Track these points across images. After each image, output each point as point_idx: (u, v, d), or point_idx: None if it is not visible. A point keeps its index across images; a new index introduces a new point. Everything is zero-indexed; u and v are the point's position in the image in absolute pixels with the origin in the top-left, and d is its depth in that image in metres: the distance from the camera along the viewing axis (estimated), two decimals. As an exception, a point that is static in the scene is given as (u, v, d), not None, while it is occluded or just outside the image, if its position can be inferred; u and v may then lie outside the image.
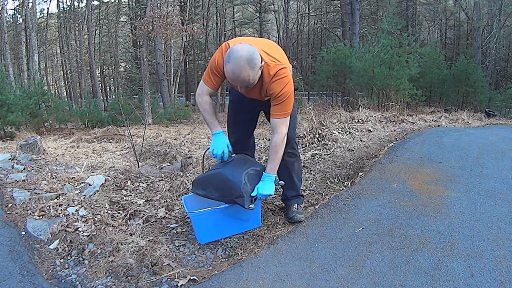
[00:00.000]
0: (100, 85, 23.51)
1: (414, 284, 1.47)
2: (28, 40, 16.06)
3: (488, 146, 3.39)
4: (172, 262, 1.72)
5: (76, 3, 20.96)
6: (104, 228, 1.95)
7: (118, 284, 1.56)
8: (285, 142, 1.84)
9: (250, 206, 1.77)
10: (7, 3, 20.00)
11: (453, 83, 12.77)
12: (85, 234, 1.88)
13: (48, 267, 1.64)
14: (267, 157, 3.30)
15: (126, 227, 2.03)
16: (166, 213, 2.25)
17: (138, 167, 3.72)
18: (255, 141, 2.73)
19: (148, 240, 1.89)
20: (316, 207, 2.19)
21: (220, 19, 20.22)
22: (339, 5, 19.00)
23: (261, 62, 1.67)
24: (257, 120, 2.21)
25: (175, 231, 2.04)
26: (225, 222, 1.92)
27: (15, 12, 20.00)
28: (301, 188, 2.20)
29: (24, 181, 2.51)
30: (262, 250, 1.78)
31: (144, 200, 2.44)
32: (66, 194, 2.32)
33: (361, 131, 4.26)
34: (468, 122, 6.09)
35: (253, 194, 1.81)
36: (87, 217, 2.04)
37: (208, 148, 1.95)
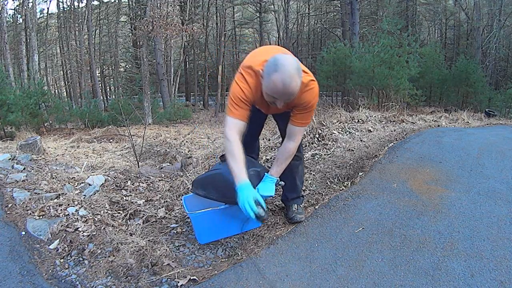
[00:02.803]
0: (100, 85, 23.51)
1: (414, 284, 1.47)
2: (28, 40, 16.06)
3: (488, 146, 3.39)
4: (172, 262, 1.72)
5: (76, 3, 20.98)
6: (104, 228, 1.95)
7: (118, 284, 1.56)
8: (296, 148, 1.84)
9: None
10: (7, 3, 19.99)
11: (453, 83, 12.78)
12: (85, 234, 1.88)
13: (48, 267, 1.64)
14: (267, 158, 3.32)
15: (126, 227, 2.03)
16: (166, 213, 2.25)
17: (138, 167, 3.72)
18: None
19: (148, 240, 1.89)
20: (316, 207, 2.19)
21: (220, 19, 20.22)
22: (339, 5, 19.00)
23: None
24: (263, 125, 2.17)
25: (175, 231, 2.04)
26: (225, 223, 1.92)
27: (15, 12, 20.01)
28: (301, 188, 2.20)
29: (24, 181, 2.51)
30: (262, 250, 1.78)
31: (144, 200, 2.44)
32: (66, 194, 2.32)
33: (361, 131, 4.26)
34: (468, 122, 6.09)
35: None
36: (87, 217, 2.04)
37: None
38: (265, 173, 1.86)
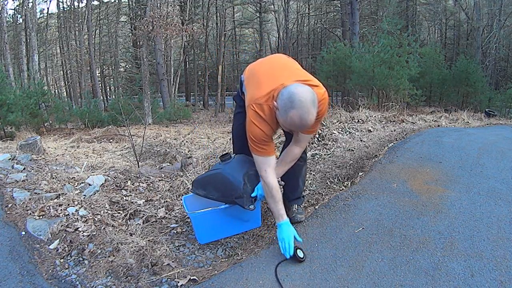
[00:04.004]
0: (100, 85, 23.53)
1: (414, 284, 1.47)
2: (28, 40, 16.08)
3: (488, 146, 3.39)
4: (172, 262, 1.72)
5: (76, 3, 21.01)
6: (104, 228, 1.95)
7: (118, 284, 1.56)
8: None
9: (250, 206, 1.77)
10: (7, 3, 20.01)
11: (453, 83, 12.78)
12: (85, 234, 1.88)
13: (48, 267, 1.64)
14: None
15: (126, 227, 2.03)
16: (166, 213, 2.25)
17: (138, 167, 3.72)
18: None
19: (148, 240, 1.89)
20: (316, 207, 2.19)
21: (220, 19, 20.23)
22: (339, 5, 19.01)
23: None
24: None
25: (175, 231, 2.04)
26: (225, 223, 1.92)
27: (15, 12, 20.04)
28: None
29: (24, 181, 2.51)
30: (262, 250, 1.78)
31: (144, 200, 2.44)
32: (66, 194, 2.32)
33: (361, 131, 4.26)
34: (468, 122, 6.09)
35: (253, 195, 1.80)
36: (87, 217, 2.04)
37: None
38: None
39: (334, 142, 3.66)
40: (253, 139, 1.65)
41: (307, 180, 2.66)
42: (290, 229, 1.69)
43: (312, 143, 3.74)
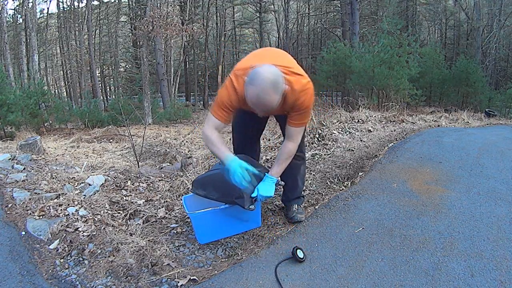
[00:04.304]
0: (100, 85, 23.51)
1: (414, 284, 1.47)
2: (28, 40, 16.08)
3: (488, 146, 3.39)
4: (172, 262, 1.72)
5: (76, 3, 21.00)
6: (104, 228, 1.95)
7: (118, 284, 1.56)
8: (296, 149, 1.83)
9: (250, 207, 1.76)
10: (7, 3, 20.01)
11: (453, 83, 12.78)
12: (85, 234, 1.88)
13: (48, 267, 1.64)
14: (267, 158, 3.32)
15: (126, 227, 2.03)
16: (166, 213, 2.25)
17: (138, 167, 3.73)
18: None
19: (148, 240, 1.89)
20: (316, 207, 2.19)
21: (220, 19, 20.24)
22: (339, 5, 19.00)
23: (284, 86, 1.57)
24: (265, 125, 2.15)
25: (175, 231, 2.04)
26: (225, 223, 1.92)
27: (15, 12, 20.02)
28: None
29: (24, 181, 2.51)
30: (262, 250, 1.78)
31: (144, 200, 2.44)
32: (66, 194, 2.32)
33: (361, 131, 4.26)
34: (468, 122, 6.09)
35: (253, 195, 1.80)
36: (87, 217, 2.04)
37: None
38: (266, 174, 1.86)
39: (334, 142, 3.66)
40: (218, 99, 1.73)
41: (307, 180, 2.66)
42: (237, 161, 1.68)
43: (312, 143, 3.74)
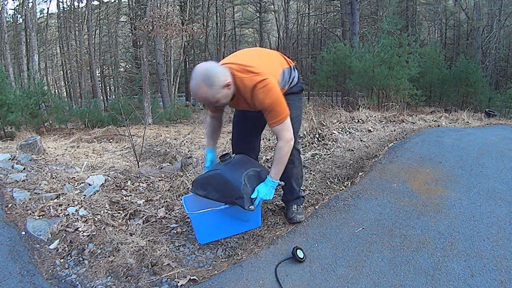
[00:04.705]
0: (100, 85, 23.53)
1: (414, 284, 1.47)
2: (28, 40, 16.09)
3: (488, 146, 3.39)
4: (172, 262, 1.72)
5: (76, 3, 21.02)
6: (104, 228, 1.95)
7: (118, 284, 1.56)
8: (291, 145, 1.80)
9: (250, 207, 1.76)
10: (7, 3, 20.02)
11: (453, 83, 12.78)
12: (85, 234, 1.88)
13: (48, 267, 1.64)
14: (267, 158, 3.32)
15: (126, 227, 2.02)
16: (166, 213, 2.25)
17: (138, 167, 3.73)
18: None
19: (148, 240, 1.89)
20: (316, 207, 2.19)
21: (220, 19, 20.25)
22: (339, 5, 19.01)
23: (226, 80, 1.63)
24: (264, 125, 2.13)
25: (175, 231, 2.04)
26: (225, 223, 1.92)
27: (15, 12, 20.04)
28: (301, 189, 2.19)
29: (24, 181, 2.51)
30: (262, 250, 1.78)
31: (144, 200, 2.44)
32: (66, 194, 2.32)
33: (361, 131, 4.26)
34: (468, 122, 6.09)
35: (253, 196, 1.80)
36: (87, 217, 2.04)
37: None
38: (267, 175, 1.86)
39: (334, 142, 3.66)
40: None
41: (306, 180, 2.66)
42: (210, 155, 2.02)
43: (312, 143, 3.74)
